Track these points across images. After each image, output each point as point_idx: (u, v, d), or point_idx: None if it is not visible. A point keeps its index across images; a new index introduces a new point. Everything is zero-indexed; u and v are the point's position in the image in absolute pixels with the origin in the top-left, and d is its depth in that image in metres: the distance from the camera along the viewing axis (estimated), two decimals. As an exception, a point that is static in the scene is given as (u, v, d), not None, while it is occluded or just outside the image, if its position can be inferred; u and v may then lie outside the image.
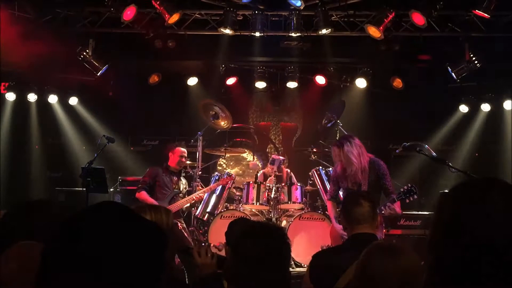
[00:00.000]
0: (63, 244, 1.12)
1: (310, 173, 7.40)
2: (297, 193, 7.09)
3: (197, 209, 7.21)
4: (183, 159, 7.04)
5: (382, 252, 1.95)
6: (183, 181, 7.19)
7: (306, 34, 7.63)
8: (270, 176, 7.54)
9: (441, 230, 1.22)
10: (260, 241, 2.05)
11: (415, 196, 4.77)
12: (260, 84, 9.17)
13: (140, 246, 1.15)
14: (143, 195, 6.76)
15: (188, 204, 6.93)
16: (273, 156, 8.04)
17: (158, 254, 1.19)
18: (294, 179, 7.67)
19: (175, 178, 7.02)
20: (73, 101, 9.23)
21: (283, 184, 7.23)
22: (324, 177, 7.15)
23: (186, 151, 7.09)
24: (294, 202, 7.05)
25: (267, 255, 2.01)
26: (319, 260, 2.98)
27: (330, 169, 6.82)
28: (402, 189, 4.85)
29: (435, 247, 1.23)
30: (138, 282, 1.13)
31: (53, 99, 9.10)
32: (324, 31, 7.35)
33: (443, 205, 1.25)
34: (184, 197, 6.99)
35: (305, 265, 6.36)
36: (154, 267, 1.16)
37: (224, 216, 6.83)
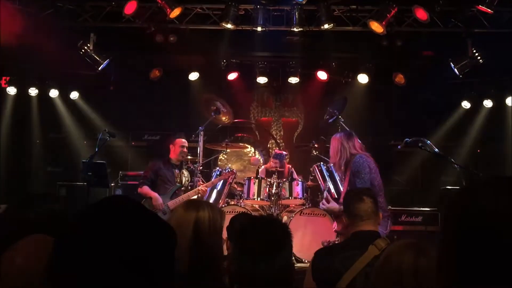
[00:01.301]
0: (72, 240, 1.12)
1: (311, 169, 7.36)
2: (298, 188, 7.07)
3: (198, 204, 7.18)
4: (185, 149, 7.03)
5: (413, 251, 2.03)
6: (186, 173, 7.17)
7: (308, 29, 7.60)
8: (272, 170, 7.51)
9: (456, 230, 1.20)
10: (261, 234, 2.04)
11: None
12: (262, 79, 9.14)
13: (148, 243, 1.13)
14: (145, 190, 6.76)
15: (195, 197, 6.90)
16: (276, 151, 8.02)
17: (166, 251, 1.17)
18: (295, 175, 7.65)
19: (177, 171, 7.02)
20: (74, 95, 9.22)
21: (284, 179, 7.21)
22: (325, 173, 7.10)
23: (186, 142, 7.08)
24: (295, 198, 7.04)
25: (269, 248, 2.00)
26: (322, 258, 2.96)
27: (331, 164, 6.79)
28: None
29: (450, 246, 1.21)
30: (145, 278, 1.11)
31: (54, 93, 9.09)
32: (326, 26, 7.31)
33: (457, 204, 1.24)
34: (186, 191, 6.97)
35: (306, 261, 6.35)
36: (163, 263, 1.15)
37: (225, 211, 6.82)
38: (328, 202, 5.09)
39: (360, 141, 5.37)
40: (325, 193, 5.56)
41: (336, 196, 6.66)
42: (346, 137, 5.22)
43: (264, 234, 2.05)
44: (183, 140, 7.03)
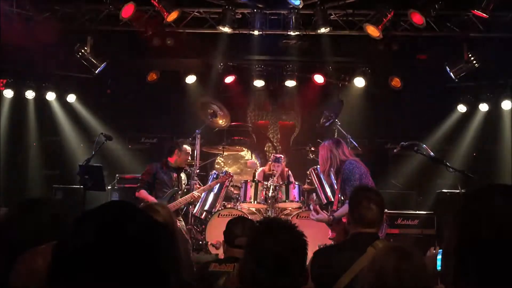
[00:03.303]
0: (72, 243, 1.12)
1: (308, 172, 7.39)
2: (294, 191, 7.09)
3: (194, 207, 7.19)
4: (189, 158, 7.05)
5: (397, 254, 2.02)
6: (183, 176, 7.14)
7: (304, 33, 7.64)
8: (271, 173, 7.49)
9: (461, 237, 1.22)
10: (280, 241, 1.99)
11: None
12: (259, 83, 9.17)
13: (149, 245, 1.14)
14: (143, 194, 6.72)
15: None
16: (275, 154, 8.00)
17: (167, 253, 1.18)
18: (292, 178, 7.66)
19: (174, 175, 6.97)
20: (71, 98, 9.21)
21: (281, 182, 7.23)
22: (322, 176, 7.14)
23: (190, 150, 7.11)
24: (291, 201, 7.05)
25: (288, 255, 1.95)
26: (320, 258, 2.94)
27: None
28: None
29: (457, 253, 1.23)
30: (147, 280, 1.12)
31: (51, 96, 9.07)
32: (322, 30, 7.35)
33: (462, 212, 1.25)
34: (183, 194, 6.95)
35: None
36: (163, 265, 1.16)
37: (221, 215, 6.83)
38: (317, 213, 5.10)
39: (348, 147, 5.41)
40: (312, 204, 5.63)
41: (332, 200, 6.69)
42: (334, 144, 5.24)
43: (283, 241, 1.97)
44: (189, 148, 7.03)
